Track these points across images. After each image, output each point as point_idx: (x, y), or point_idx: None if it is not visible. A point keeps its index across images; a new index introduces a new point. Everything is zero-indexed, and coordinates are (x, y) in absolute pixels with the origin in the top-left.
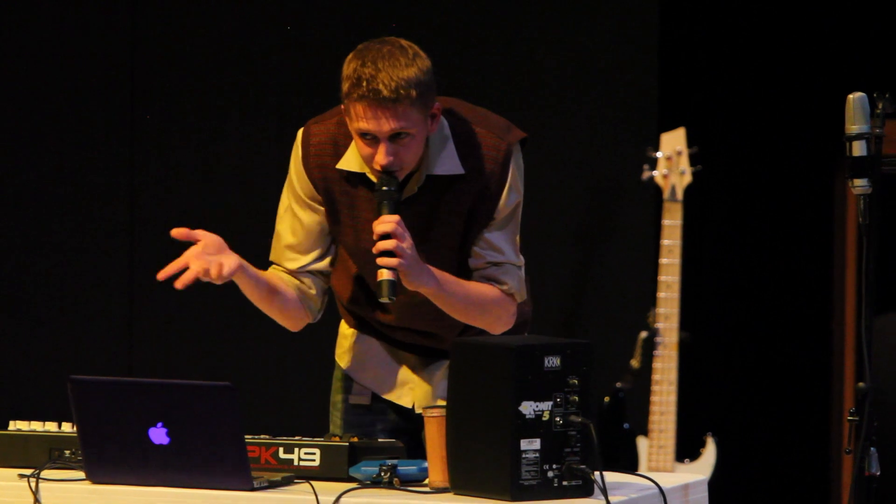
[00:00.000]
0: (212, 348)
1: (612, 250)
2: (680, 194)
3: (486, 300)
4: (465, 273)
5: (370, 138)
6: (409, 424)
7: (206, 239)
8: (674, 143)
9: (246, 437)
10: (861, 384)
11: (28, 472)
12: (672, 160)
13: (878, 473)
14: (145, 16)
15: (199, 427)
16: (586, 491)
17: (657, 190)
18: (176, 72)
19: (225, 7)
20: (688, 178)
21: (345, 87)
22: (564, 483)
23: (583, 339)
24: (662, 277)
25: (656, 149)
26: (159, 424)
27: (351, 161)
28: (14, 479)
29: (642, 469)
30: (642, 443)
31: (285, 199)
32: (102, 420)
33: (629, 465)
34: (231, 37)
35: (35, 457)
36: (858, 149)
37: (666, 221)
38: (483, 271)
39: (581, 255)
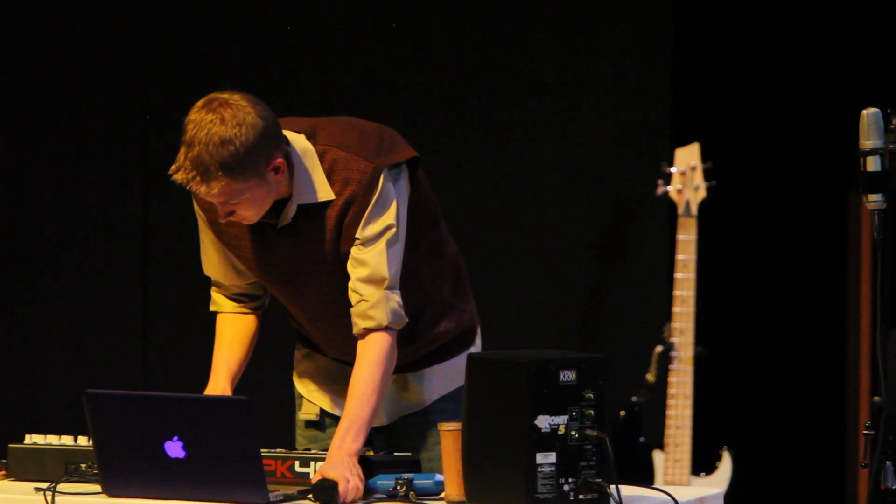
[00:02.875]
0: None
1: (627, 265)
2: (694, 209)
3: (380, 374)
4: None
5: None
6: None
7: None
8: (688, 158)
9: (262, 450)
10: (876, 398)
11: (44, 485)
12: (686, 175)
13: (895, 487)
14: (159, 17)
15: (214, 441)
16: None
17: (672, 205)
18: (190, 78)
19: (237, 10)
20: (702, 193)
21: (182, 137)
22: (580, 497)
23: (598, 353)
24: (677, 292)
25: (671, 164)
26: (175, 438)
27: None
28: (30, 492)
29: (658, 483)
30: (658, 456)
31: (203, 232)
32: (118, 434)
33: (645, 478)
34: (244, 39)
35: (51, 470)
36: (873, 164)
37: (681, 236)
38: (354, 306)
39: (596, 270)
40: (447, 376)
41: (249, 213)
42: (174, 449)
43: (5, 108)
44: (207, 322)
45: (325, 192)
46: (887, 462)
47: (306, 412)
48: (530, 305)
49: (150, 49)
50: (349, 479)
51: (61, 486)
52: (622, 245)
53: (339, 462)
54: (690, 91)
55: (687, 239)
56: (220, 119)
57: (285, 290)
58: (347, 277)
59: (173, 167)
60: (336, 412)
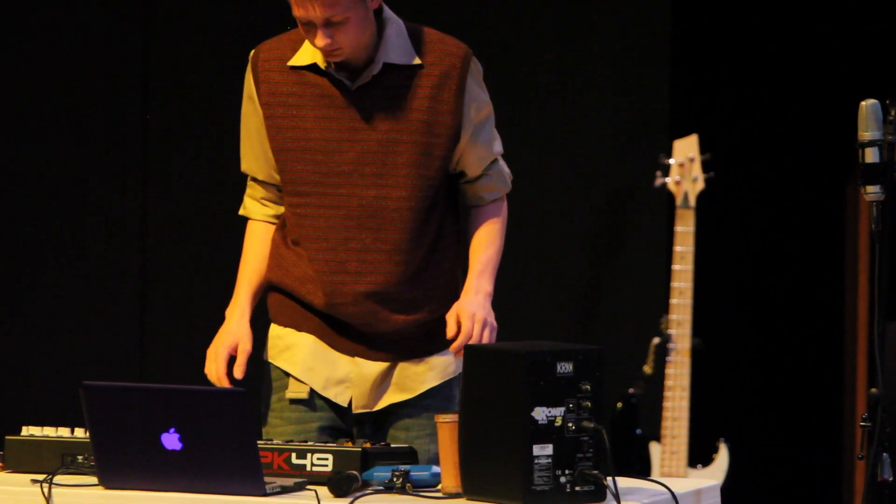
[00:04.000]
0: None
1: (625, 257)
2: (692, 201)
3: (501, 229)
4: (428, 174)
5: (308, 24)
6: (345, 424)
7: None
8: (686, 149)
9: (258, 442)
10: (873, 390)
11: (41, 477)
12: (685, 167)
13: (891, 479)
14: (158, 14)
15: (211, 433)
16: (599, 496)
17: (670, 196)
18: (188, 73)
19: (235, 6)
20: (700, 185)
21: None
22: (577, 488)
23: (595, 344)
24: (675, 284)
25: (669, 155)
26: (172, 430)
27: (302, 57)
28: (27, 484)
29: (655, 474)
30: (655, 448)
31: (245, 124)
32: (115, 426)
33: (642, 470)
34: (243, 35)
35: (48, 462)
36: (871, 155)
37: (678, 228)
38: (475, 182)
39: (594, 262)
40: (439, 368)
41: (347, 39)
42: (171, 441)
43: (5, 104)
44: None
45: (410, 56)
46: (884, 454)
47: (294, 391)
48: (528, 297)
49: (149, 45)
50: (485, 319)
51: (58, 478)
52: (620, 236)
53: (476, 303)
54: (689, 83)
55: (685, 230)
56: None
57: (336, 174)
58: (431, 154)
59: None
60: (327, 394)
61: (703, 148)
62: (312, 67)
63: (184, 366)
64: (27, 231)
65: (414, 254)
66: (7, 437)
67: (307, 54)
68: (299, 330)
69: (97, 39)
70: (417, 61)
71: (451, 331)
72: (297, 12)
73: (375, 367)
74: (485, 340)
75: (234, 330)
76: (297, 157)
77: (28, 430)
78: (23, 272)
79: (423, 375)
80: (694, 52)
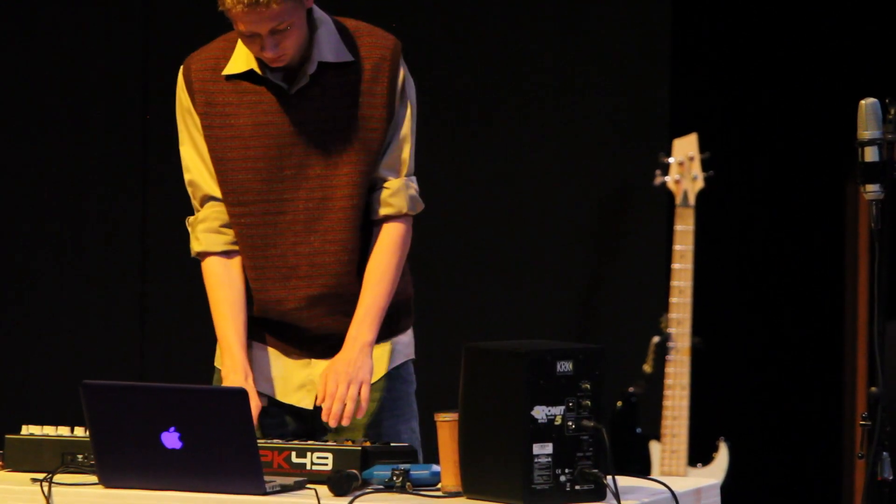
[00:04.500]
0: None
1: (625, 255)
2: (692, 199)
3: (395, 261)
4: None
5: (253, 37)
6: (308, 426)
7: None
8: (686, 148)
9: (258, 441)
10: (873, 389)
11: (41, 476)
12: (684, 165)
13: (891, 478)
14: (158, 13)
15: (211, 432)
16: (599, 495)
17: (669, 195)
18: None
19: None
20: (700, 184)
21: None
22: (577, 487)
23: (595, 343)
24: (675, 282)
25: (668, 154)
26: (172, 429)
27: (236, 65)
28: (27, 483)
29: (655, 473)
30: (655, 447)
31: (186, 144)
32: (115, 425)
33: (642, 469)
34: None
35: (48, 461)
36: (871, 154)
37: (678, 227)
38: (374, 192)
39: (593, 261)
40: (394, 350)
41: (291, 44)
42: (171, 440)
43: (6, 104)
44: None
45: (343, 54)
46: (884, 453)
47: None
48: (527, 295)
49: (149, 45)
50: (352, 378)
51: (58, 477)
52: (620, 235)
53: (346, 360)
54: (689, 81)
55: (684, 229)
56: None
57: (279, 180)
58: (355, 142)
59: (222, 5)
60: (289, 401)
61: (703, 147)
62: (248, 74)
63: (184, 365)
64: (27, 230)
65: (361, 252)
66: (7, 436)
67: (241, 61)
68: (254, 339)
69: (97, 39)
70: (350, 58)
71: (319, 395)
72: (242, 27)
73: None
74: (350, 398)
75: (242, 384)
76: (239, 166)
77: (28, 429)
78: (23, 271)
79: (380, 360)
80: (694, 51)
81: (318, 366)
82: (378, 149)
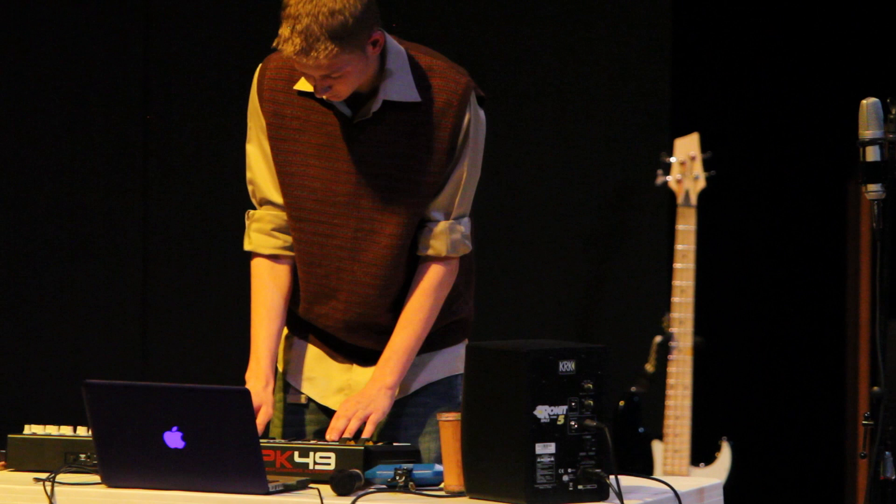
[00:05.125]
0: (226, 352)
1: (627, 255)
2: (694, 199)
3: (429, 305)
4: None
5: (307, 76)
6: None
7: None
8: (688, 148)
9: (261, 440)
10: (876, 388)
11: (43, 475)
12: (686, 165)
13: (894, 477)
14: (159, 14)
15: (214, 431)
16: (601, 495)
17: (671, 195)
18: (190, 73)
19: (237, 7)
20: (702, 183)
21: (281, 14)
22: (580, 487)
23: (597, 343)
24: (677, 282)
25: (670, 154)
26: (174, 428)
27: (306, 83)
28: (29, 482)
29: (657, 473)
30: (657, 447)
31: (252, 142)
32: (117, 424)
33: (644, 469)
34: (244, 36)
35: (50, 461)
36: (872, 154)
37: (680, 226)
38: (419, 230)
39: (596, 260)
40: (433, 367)
41: (346, 88)
42: (173, 439)
43: (8, 105)
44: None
45: (412, 93)
46: (886, 452)
47: (293, 397)
48: (530, 295)
49: (149, 47)
50: (365, 416)
51: (60, 477)
52: (622, 235)
53: (367, 397)
54: (690, 81)
55: (686, 229)
56: None
57: (332, 204)
58: (411, 184)
59: (277, 42)
60: (326, 403)
61: (705, 146)
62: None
63: (186, 364)
64: (29, 230)
65: (401, 287)
66: (9, 436)
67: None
68: (300, 336)
69: (98, 40)
70: (417, 98)
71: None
72: (295, 64)
73: (370, 373)
74: (352, 426)
75: (260, 393)
76: (297, 182)
77: (30, 429)
78: (25, 271)
79: (417, 375)
80: (695, 51)
81: (359, 372)
82: (433, 192)
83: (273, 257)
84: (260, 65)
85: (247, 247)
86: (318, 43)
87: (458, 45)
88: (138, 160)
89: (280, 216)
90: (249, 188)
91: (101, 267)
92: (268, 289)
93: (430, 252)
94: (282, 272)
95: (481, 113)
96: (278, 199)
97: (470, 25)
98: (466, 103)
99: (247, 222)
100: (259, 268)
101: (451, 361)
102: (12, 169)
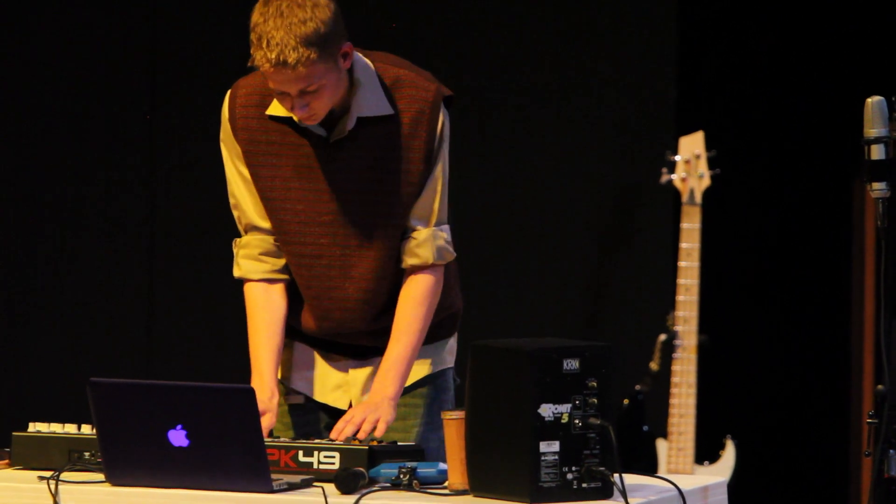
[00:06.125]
0: (231, 351)
1: (631, 253)
2: (698, 197)
3: (422, 313)
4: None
5: (283, 94)
6: None
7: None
8: (692, 146)
9: (265, 439)
10: (880, 387)
11: (48, 474)
12: (690, 163)
13: None
14: (164, 13)
15: (218, 430)
16: (605, 493)
17: (676, 193)
18: (195, 72)
19: (242, 7)
20: (706, 182)
21: (252, 38)
22: (584, 485)
23: (602, 341)
24: (681, 280)
25: (675, 152)
26: (178, 427)
27: (279, 107)
28: (34, 480)
29: (661, 471)
30: (661, 445)
31: (231, 170)
32: (122, 422)
33: (648, 467)
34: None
35: (55, 459)
36: (877, 152)
37: (684, 225)
38: (402, 241)
39: (600, 259)
40: (430, 358)
41: (322, 105)
42: (178, 438)
43: (15, 105)
44: (212, 312)
45: (384, 106)
46: (890, 451)
47: (292, 399)
48: (534, 293)
49: (155, 45)
50: (378, 418)
51: (65, 475)
52: (626, 233)
53: (373, 403)
54: (695, 79)
55: (691, 227)
56: (295, 3)
57: (317, 224)
58: (393, 195)
59: (251, 61)
60: (325, 400)
61: (709, 144)
62: (289, 119)
63: (191, 363)
64: (34, 229)
65: (389, 295)
66: (14, 434)
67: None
68: (293, 338)
69: (104, 39)
70: (390, 111)
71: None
72: (272, 85)
73: (368, 369)
74: (366, 427)
75: (265, 402)
76: (278, 206)
77: (35, 427)
78: (30, 269)
79: (414, 366)
80: (700, 49)
81: (355, 368)
82: (413, 201)
83: (265, 281)
84: (229, 91)
85: (236, 274)
86: (294, 52)
87: (464, 46)
88: (145, 158)
89: (267, 240)
90: (234, 213)
91: (106, 265)
92: (264, 309)
93: (417, 261)
94: (276, 292)
95: (448, 119)
96: (263, 223)
97: (476, 26)
98: (438, 109)
99: (234, 250)
100: (253, 293)
101: (443, 355)
102: (18, 168)
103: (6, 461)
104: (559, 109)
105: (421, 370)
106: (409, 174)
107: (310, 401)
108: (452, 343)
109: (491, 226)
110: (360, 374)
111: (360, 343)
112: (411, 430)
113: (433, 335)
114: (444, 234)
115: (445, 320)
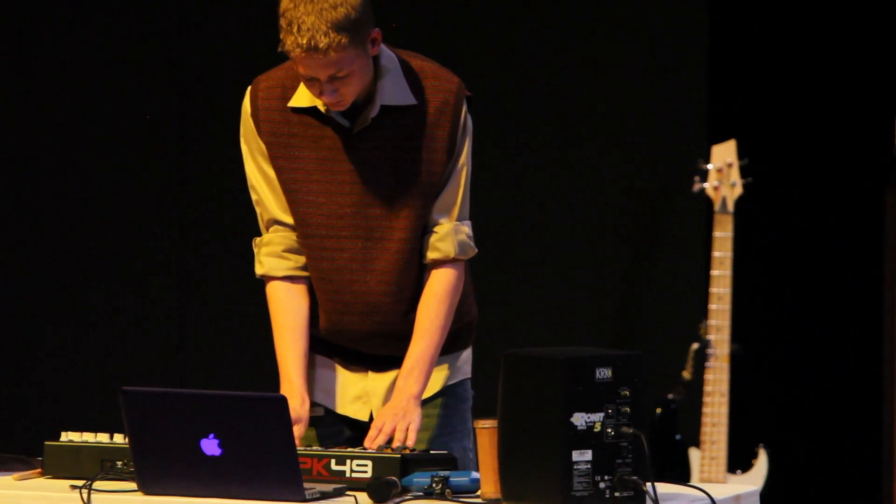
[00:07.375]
0: (263, 360)
1: (664, 262)
2: (731, 206)
3: (444, 309)
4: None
5: (312, 80)
6: (363, 436)
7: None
8: (725, 154)
9: (298, 448)
10: None
11: (80, 483)
12: (723, 172)
13: None
14: (193, 16)
15: (250, 438)
16: (638, 502)
17: (708, 202)
18: (225, 74)
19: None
20: (739, 190)
21: (281, 24)
22: (616, 494)
23: (634, 350)
24: (714, 289)
25: (707, 161)
26: (211, 436)
27: (301, 98)
28: (66, 490)
29: (694, 480)
30: (694, 454)
31: (250, 164)
32: (154, 431)
33: (681, 476)
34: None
35: (87, 468)
36: None
37: (717, 233)
38: (424, 235)
39: (633, 267)
40: (450, 368)
41: (351, 91)
42: (210, 446)
43: (46, 108)
44: (243, 320)
45: (407, 96)
46: None
47: (314, 408)
48: (566, 302)
49: (184, 51)
50: (406, 424)
51: (97, 484)
52: (659, 242)
53: (398, 408)
54: (727, 87)
55: (723, 236)
56: None
57: (339, 217)
58: (415, 186)
59: (281, 46)
60: (345, 412)
61: (742, 153)
62: (312, 110)
63: (223, 371)
64: (66, 238)
65: (414, 290)
66: (46, 443)
67: (306, 95)
68: (314, 351)
69: (132, 45)
70: (413, 101)
71: (369, 435)
72: (301, 70)
73: (387, 379)
74: (398, 435)
75: (297, 409)
76: (301, 199)
77: (67, 436)
78: (62, 279)
79: (435, 376)
80: (732, 57)
81: (374, 378)
82: (436, 193)
83: (288, 279)
84: (249, 87)
85: (258, 272)
86: (326, 36)
87: (495, 51)
88: (175, 165)
89: (290, 237)
90: (257, 210)
91: (137, 274)
92: (288, 311)
93: (438, 255)
94: (299, 292)
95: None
96: (287, 218)
97: (507, 32)
98: (462, 102)
99: (255, 249)
100: (276, 291)
101: (461, 366)
102: (47, 172)
103: (38, 470)
104: (591, 117)
105: (437, 381)
106: (432, 164)
107: (330, 413)
108: (468, 354)
109: (522, 233)
110: (379, 385)
111: (384, 352)
112: (424, 441)
113: (450, 346)
114: (466, 228)
115: (462, 330)
